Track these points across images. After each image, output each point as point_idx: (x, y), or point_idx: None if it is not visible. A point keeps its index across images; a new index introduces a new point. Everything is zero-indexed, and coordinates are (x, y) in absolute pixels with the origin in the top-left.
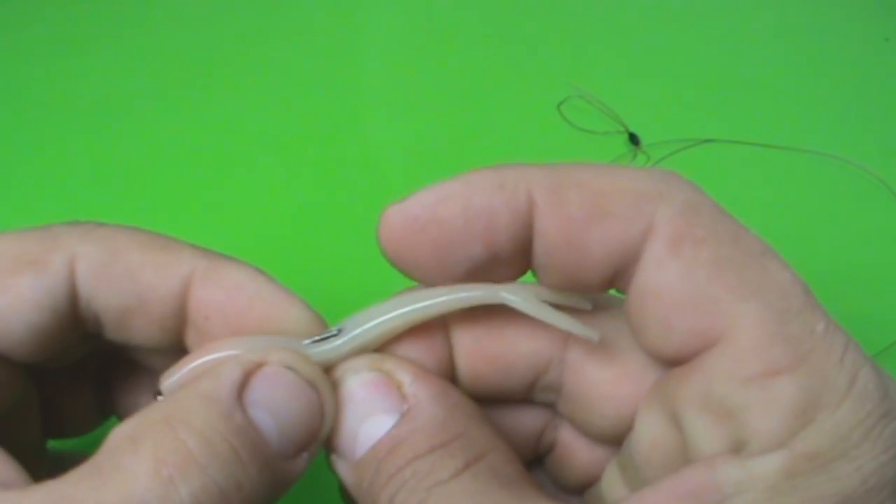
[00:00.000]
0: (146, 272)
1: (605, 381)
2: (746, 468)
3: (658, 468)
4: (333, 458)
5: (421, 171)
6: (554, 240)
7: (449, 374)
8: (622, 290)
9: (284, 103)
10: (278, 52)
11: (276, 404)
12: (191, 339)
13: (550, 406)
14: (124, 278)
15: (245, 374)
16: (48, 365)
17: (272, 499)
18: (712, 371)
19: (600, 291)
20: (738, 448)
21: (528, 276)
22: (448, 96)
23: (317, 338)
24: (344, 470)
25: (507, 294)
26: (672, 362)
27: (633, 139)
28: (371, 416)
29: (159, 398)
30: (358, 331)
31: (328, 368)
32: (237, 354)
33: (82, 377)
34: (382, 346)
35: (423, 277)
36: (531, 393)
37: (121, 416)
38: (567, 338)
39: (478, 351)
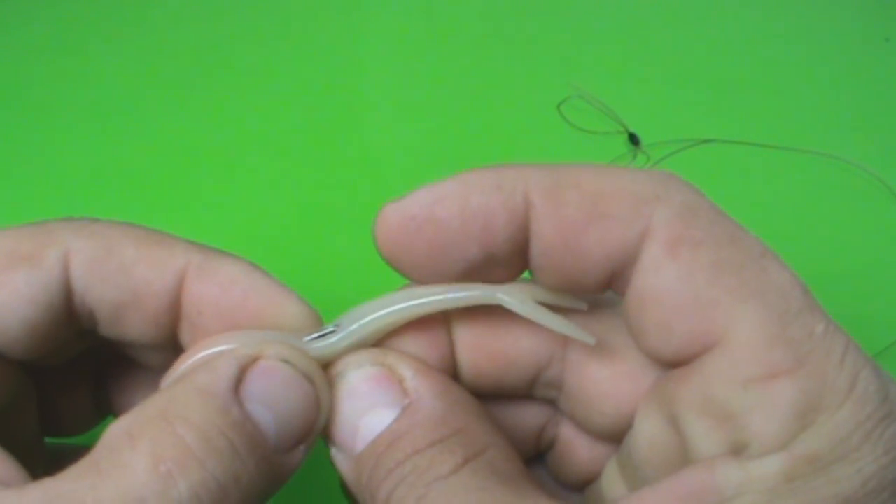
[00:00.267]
0: (140, 267)
1: (604, 379)
2: (746, 470)
3: (657, 468)
4: (334, 452)
5: (421, 171)
6: (551, 241)
7: (450, 370)
8: (619, 292)
9: (284, 103)
10: (278, 51)
11: (272, 398)
12: (185, 334)
13: (552, 402)
14: (118, 274)
15: (241, 369)
16: (44, 362)
17: (270, 491)
18: (712, 374)
19: (597, 293)
20: (737, 451)
21: (526, 273)
22: (448, 96)
23: (314, 335)
24: (344, 464)
25: (504, 295)
26: (671, 364)
27: (633, 139)
28: (372, 410)
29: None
30: (354, 326)
31: (325, 365)
32: (233, 349)
33: (79, 375)
34: (381, 341)
35: (419, 277)
36: (532, 389)
37: (118, 415)
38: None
39: (479, 347)
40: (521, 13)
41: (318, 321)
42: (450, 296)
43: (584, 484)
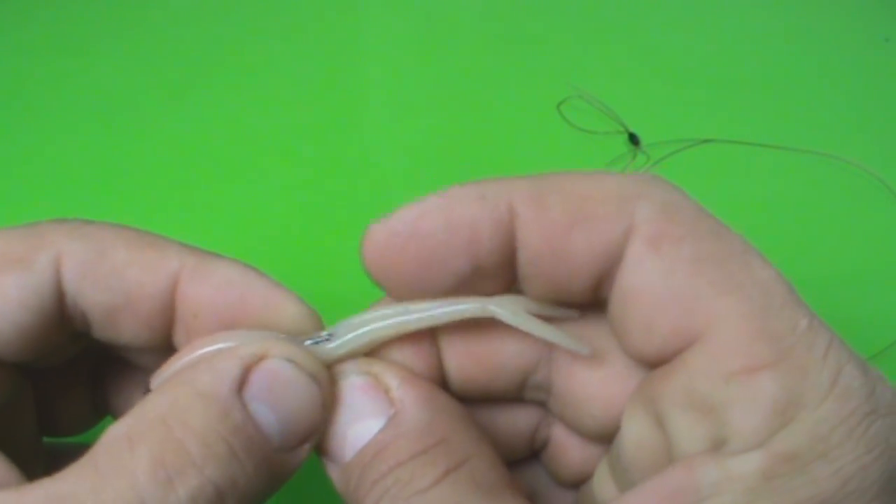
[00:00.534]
0: (133, 270)
1: (592, 382)
2: (725, 469)
3: (644, 469)
4: (324, 460)
5: (421, 171)
6: (537, 248)
7: (438, 377)
8: (606, 298)
9: (284, 103)
10: (278, 52)
11: (277, 399)
12: (179, 337)
13: (542, 404)
14: (111, 276)
15: (245, 369)
16: (39, 364)
17: (270, 490)
18: (694, 368)
19: (585, 301)
20: (718, 446)
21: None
22: (448, 96)
23: (309, 341)
24: (334, 473)
25: (496, 307)
26: (655, 364)
27: (633, 139)
28: (359, 420)
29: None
30: (350, 336)
31: None
32: (235, 346)
33: (77, 376)
34: (371, 351)
35: (408, 295)
36: (522, 392)
37: (115, 416)
38: None
39: (466, 353)
40: (521, 13)
41: (319, 321)
42: (444, 310)
43: (579, 482)
